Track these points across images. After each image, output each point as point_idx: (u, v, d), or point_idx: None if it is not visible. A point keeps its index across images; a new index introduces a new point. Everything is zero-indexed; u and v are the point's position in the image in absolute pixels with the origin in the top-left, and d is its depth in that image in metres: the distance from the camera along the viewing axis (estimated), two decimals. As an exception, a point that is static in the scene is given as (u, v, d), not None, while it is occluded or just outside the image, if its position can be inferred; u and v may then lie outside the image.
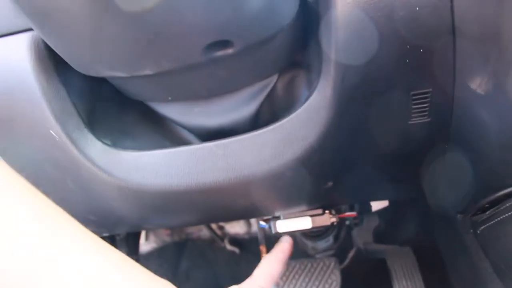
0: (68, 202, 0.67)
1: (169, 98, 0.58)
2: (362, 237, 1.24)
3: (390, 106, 0.53)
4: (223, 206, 0.64)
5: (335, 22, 0.47)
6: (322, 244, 1.24)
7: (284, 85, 0.59)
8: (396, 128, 0.55)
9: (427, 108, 0.52)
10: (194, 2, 0.39)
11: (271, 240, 1.43)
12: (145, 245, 1.61)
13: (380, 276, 1.20)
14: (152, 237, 1.62)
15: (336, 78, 0.49)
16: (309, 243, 1.24)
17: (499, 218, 0.60)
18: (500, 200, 0.58)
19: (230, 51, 0.46)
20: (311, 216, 0.73)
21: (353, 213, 0.86)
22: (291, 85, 0.59)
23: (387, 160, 0.61)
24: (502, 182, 0.56)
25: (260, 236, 1.15)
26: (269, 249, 1.33)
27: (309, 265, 1.22)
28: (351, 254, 1.29)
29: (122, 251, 1.08)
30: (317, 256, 1.25)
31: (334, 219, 0.73)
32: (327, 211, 0.73)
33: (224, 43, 0.45)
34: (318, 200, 0.70)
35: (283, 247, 0.62)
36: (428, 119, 0.53)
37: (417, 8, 0.46)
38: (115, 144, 0.59)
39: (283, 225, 0.74)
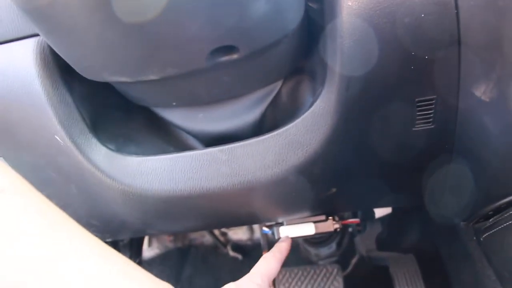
0: (72, 207, 0.67)
1: (174, 104, 0.58)
2: (364, 244, 1.24)
3: (394, 113, 0.53)
4: (227, 211, 0.64)
5: (340, 29, 0.47)
6: (325, 251, 1.24)
7: (288, 91, 0.59)
8: (400, 134, 0.55)
9: (431, 115, 0.52)
10: (199, 8, 0.39)
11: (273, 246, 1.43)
12: (148, 251, 1.61)
13: (383, 283, 1.20)
14: (155, 243, 1.61)
15: (341, 85, 0.49)
16: (312, 250, 1.24)
17: (502, 226, 0.60)
18: (503, 208, 0.58)
19: (235, 56, 0.46)
20: (314, 222, 0.73)
21: (356, 220, 0.86)
22: (295, 91, 0.59)
23: (391, 167, 0.61)
24: (505, 190, 0.55)
25: (263, 242, 1.15)
26: (271, 255, 1.33)
27: (312, 271, 1.22)
28: (353, 261, 1.29)
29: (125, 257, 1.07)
30: (320, 262, 1.25)
31: (337, 226, 0.73)
32: (330, 218, 0.73)
33: (229, 49, 0.45)
34: (321, 207, 0.70)
35: (281, 246, 0.62)
36: (432, 126, 0.53)
37: (422, 15, 0.46)
38: (119, 149, 0.59)
39: (286, 231, 0.74)
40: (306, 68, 0.59)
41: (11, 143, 0.60)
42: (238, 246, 1.58)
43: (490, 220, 0.62)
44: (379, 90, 0.50)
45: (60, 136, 0.56)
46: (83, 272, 0.39)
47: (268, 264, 0.58)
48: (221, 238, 1.58)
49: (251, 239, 1.57)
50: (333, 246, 1.23)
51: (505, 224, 0.58)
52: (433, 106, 0.51)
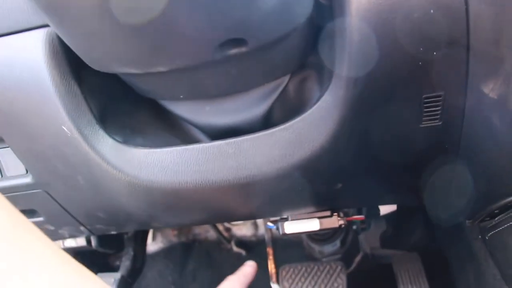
0: (78, 199, 0.68)
1: (181, 96, 0.58)
2: (369, 242, 1.24)
3: (401, 109, 0.53)
4: (232, 205, 0.64)
5: (349, 24, 0.47)
6: (329, 248, 1.24)
7: (295, 85, 0.59)
8: (407, 131, 0.55)
9: (439, 112, 0.52)
10: (208, 0, 0.39)
11: (278, 242, 1.43)
12: (152, 245, 1.61)
13: (386, 282, 1.20)
14: (159, 237, 1.62)
15: (349, 80, 0.49)
16: (316, 247, 1.24)
17: (508, 224, 0.60)
18: (510, 206, 0.58)
19: (243, 49, 0.46)
20: (319, 218, 0.73)
21: (361, 217, 0.86)
22: (302, 85, 0.59)
23: (397, 164, 0.61)
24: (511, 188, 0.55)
25: (267, 237, 1.15)
26: (275, 251, 1.34)
27: (316, 268, 1.22)
28: (357, 258, 1.29)
29: (130, 250, 1.08)
30: (324, 260, 1.25)
31: (342, 222, 0.73)
32: (335, 214, 0.72)
33: (238, 42, 0.45)
34: (327, 202, 0.70)
35: (246, 271, 0.64)
36: (439, 123, 0.53)
37: (432, 11, 0.46)
38: (126, 141, 0.60)
39: (290, 227, 0.73)
40: (314, 63, 0.59)
41: (18, 133, 0.60)
42: (242, 242, 1.58)
43: (496, 218, 0.62)
44: (387, 86, 0.50)
45: (68, 127, 0.56)
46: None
47: (232, 286, 0.59)
48: (225, 234, 1.58)
49: (255, 235, 1.57)
50: (337, 243, 1.23)
51: (510, 223, 0.58)
52: (441, 103, 0.51)
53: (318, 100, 0.52)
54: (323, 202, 0.69)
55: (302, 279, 1.21)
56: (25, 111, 0.57)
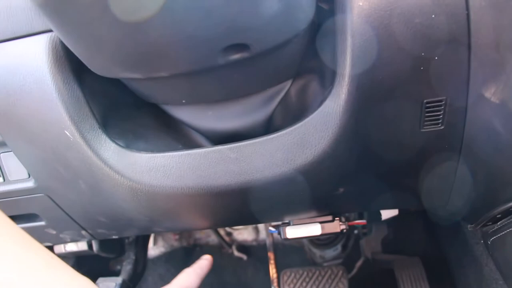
0: (80, 203, 0.68)
1: (183, 101, 0.58)
2: (370, 247, 1.24)
3: (403, 113, 0.53)
4: (234, 210, 0.64)
5: (350, 29, 0.47)
6: (330, 252, 1.24)
7: (298, 90, 0.60)
8: (409, 135, 0.55)
9: (440, 116, 0.52)
10: (213, 6, 0.40)
11: (279, 247, 1.43)
12: (153, 249, 1.61)
13: (388, 286, 1.20)
14: (160, 242, 1.62)
15: (351, 84, 0.49)
16: (317, 252, 1.24)
17: (511, 229, 0.60)
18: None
19: (246, 54, 0.46)
20: (321, 222, 0.73)
21: (363, 221, 0.86)
22: (305, 90, 0.60)
23: (399, 168, 0.61)
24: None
25: (268, 242, 1.15)
26: (277, 256, 1.34)
27: (317, 273, 1.22)
28: (359, 263, 1.29)
29: (131, 254, 1.08)
30: (325, 264, 1.25)
31: (344, 226, 0.73)
32: (337, 218, 0.72)
33: (241, 47, 0.45)
34: (328, 207, 0.70)
35: (202, 263, 0.65)
36: (441, 127, 0.53)
37: (433, 16, 0.46)
38: (128, 146, 0.60)
39: (292, 231, 0.73)
40: (316, 67, 0.59)
41: (21, 137, 0.60)
42: (243, 247, 1.58)
43: (498, 223, 0.62)
44: (388, 90, 0.50)
45: (70, 132, 0.56)
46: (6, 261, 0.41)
47: (189, 278, 0.61)
48: (226, 238, 1.58)
49: (256, 239, 1.57)
50: (339, 248, 1.23)
51: (513, 227, 0.58)
52: (442, 107, 0.51)
53: (320, 104, 0.52)
54: (325, 207, 0.69)
55: (304, 284, 1.21)
56: (28, 115, 0.57)
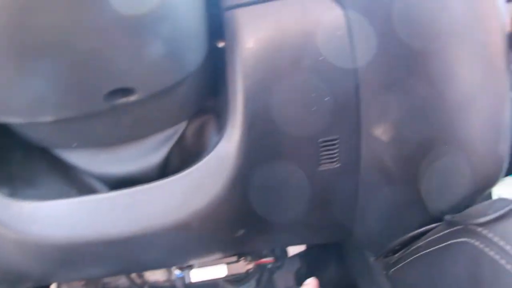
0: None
1: (74, 145, 0.55)
2: (283, 281, 1.23)
3: (299, 153, 0.53)
4: (131, 258, 0.61)
5: (241, 70, 0.47)
6: (244, 288, 1.22)
7: (194, 131, 0.58)
8: (307, 174, 0.55)
9: (336, 154, 0.53)
10: (92, 51, 0.38)
11: (192, 286, 1.40)
12: (58, 296, 1.52)
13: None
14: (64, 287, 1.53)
15: (244, 125, 0.49)
16: (231, 288, 1.22)
17: (407, 260, 0.61)
18: (408, 242, 0.60)
19: (132, 98, 0.45)
20: (227, 263, 0.72)
21: (270, 259, 0.85)
22: (201, 131, 0.59)
23: (300, 207, 0.61)
24: (410, 224, 0.57)
25: (179, 284, 1.11)
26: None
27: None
28: (273, 297, 1.28)
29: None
30: (240, 301, 1.23)
31: (250, 266, 0.72)
32: (242, 258, 0.71)
33: (126, 91, 0.43)
34: (232, 248, 0.68)
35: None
36: (338, 165, 0.54)
37: (321, 58, 0.47)
38: (14, 194, 0.55)
39: (198, 274, 0.72)
40: (212, 107, 0.58)
41: None
42: (155, 288, 1.53)
43: (397, 254, 0.64)
44: (283, 131, 0.50)
45: None
46: None
47: None
48: (138, 280, 1.51)
49: (169, 280, 1.51)
50: (253, 283, 1.21)
51: (409, 259, 0.59)
52: (337, 145, 0.52)
53: (214, 146, 0.51)
54: (228, 249, 0.68)
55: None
56: None
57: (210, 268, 0.72)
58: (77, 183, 0.62)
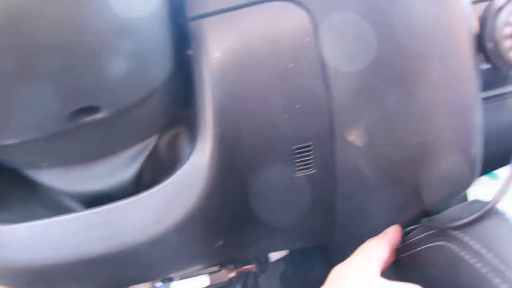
0: None
1: (44, 165, 0.54)
2: (268, 284, 1.23)
3: (273, 161, 0.52)
4: (111, 275, 0.60)
5: (210, 81, 0.46)
6: (231, 294, 1.21)
7: (167, 143, 0.58)
8: (283, 182, 0.55)
9: (311, 161, 0.52)
10: (50, 70, 0.37)
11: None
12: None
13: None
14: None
15: (215, 136, 0.48)
16: (218, 294, 1.21)
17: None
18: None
19: (99, 116, 0.44)
20: (209, 273, 0.71)
21: (251, 266, 0.85)
22: (174, 143, 0.58)
23: (279, 213, 0.60)
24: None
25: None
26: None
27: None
28: (259, 302, 1.27)
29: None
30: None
31: (232, 274, 0.71)
32: (224, 267, 0.71)
33: (91, 109, 0.42)
34: (212, 259, 0.67)
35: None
36: (314, 171, 0.53)
37: (292, 65, 0.46)
38: (-15, 219, 0.54)
39: (179, 286, 0.71)
40: (185, 118, 0.57)
41: None
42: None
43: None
44: (255, 140, 0.50)
45: None
46: None
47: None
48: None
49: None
50: (239, 288, 1.21)
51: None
52: (311, 152, 0.52)
53: (187, 159, 0.51)
54: (208, 260, 0.67)
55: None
56: None
57: (192, 279, 0.71)
58: (50, 203, 0.60)
